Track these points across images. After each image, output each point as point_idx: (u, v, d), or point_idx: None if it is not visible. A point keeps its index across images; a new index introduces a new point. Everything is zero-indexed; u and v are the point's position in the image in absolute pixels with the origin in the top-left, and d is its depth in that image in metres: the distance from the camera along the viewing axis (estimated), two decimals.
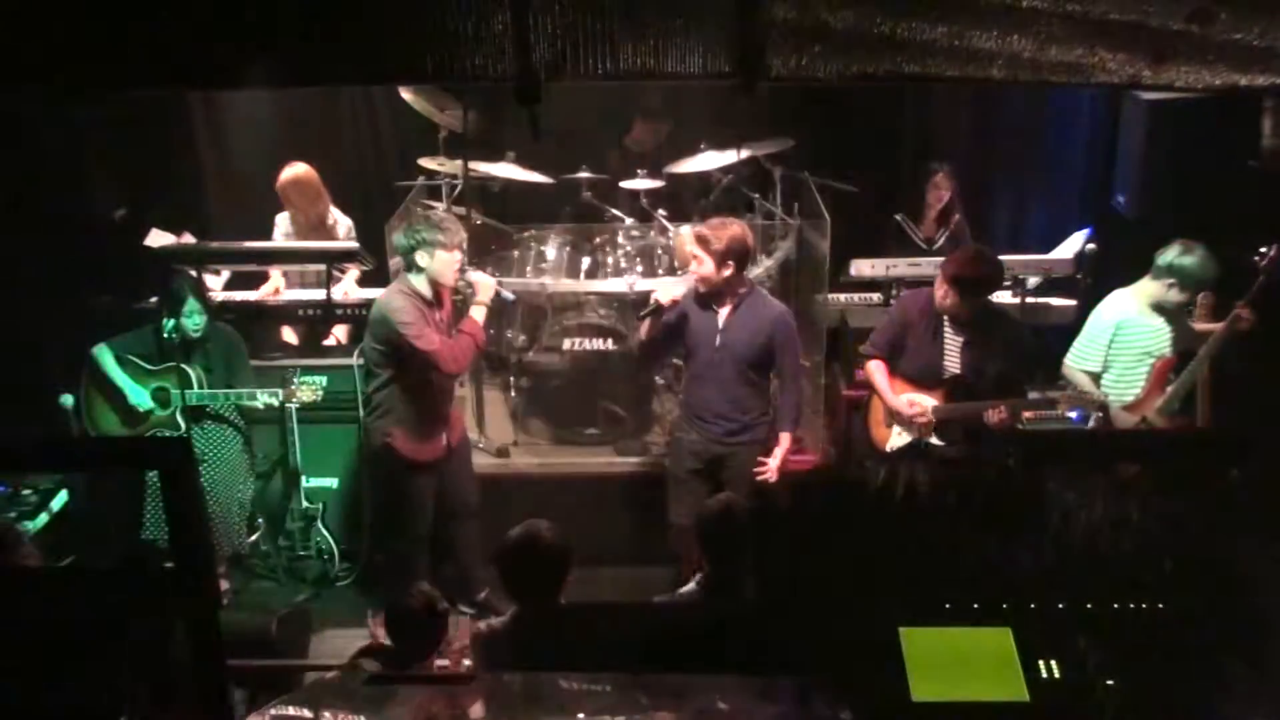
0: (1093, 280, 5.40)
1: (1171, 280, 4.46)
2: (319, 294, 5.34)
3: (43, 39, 1.85)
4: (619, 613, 3.70)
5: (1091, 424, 4.60)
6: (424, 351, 4.35)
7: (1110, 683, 1.95)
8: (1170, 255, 4.46)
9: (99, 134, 5.20)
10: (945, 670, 1.98)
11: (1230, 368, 4.50)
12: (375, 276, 5.56)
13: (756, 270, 5.24)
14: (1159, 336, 4.57)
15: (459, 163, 5.52)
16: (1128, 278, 4.75)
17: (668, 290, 4.47)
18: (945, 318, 4.50)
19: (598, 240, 5.94)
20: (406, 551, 4.72)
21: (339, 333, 5.72)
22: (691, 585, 4.10)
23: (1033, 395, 4.72)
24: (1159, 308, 4.55)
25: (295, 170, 5.66)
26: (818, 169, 5.84)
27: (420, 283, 4.44)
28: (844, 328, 5.62)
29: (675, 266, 5.61)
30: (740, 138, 5.68)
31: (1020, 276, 5.33)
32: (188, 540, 1.82)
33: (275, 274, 5.79)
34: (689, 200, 6.28)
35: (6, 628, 1.90)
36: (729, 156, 5.75)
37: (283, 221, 5.77)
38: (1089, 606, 2.05)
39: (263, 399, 4.81)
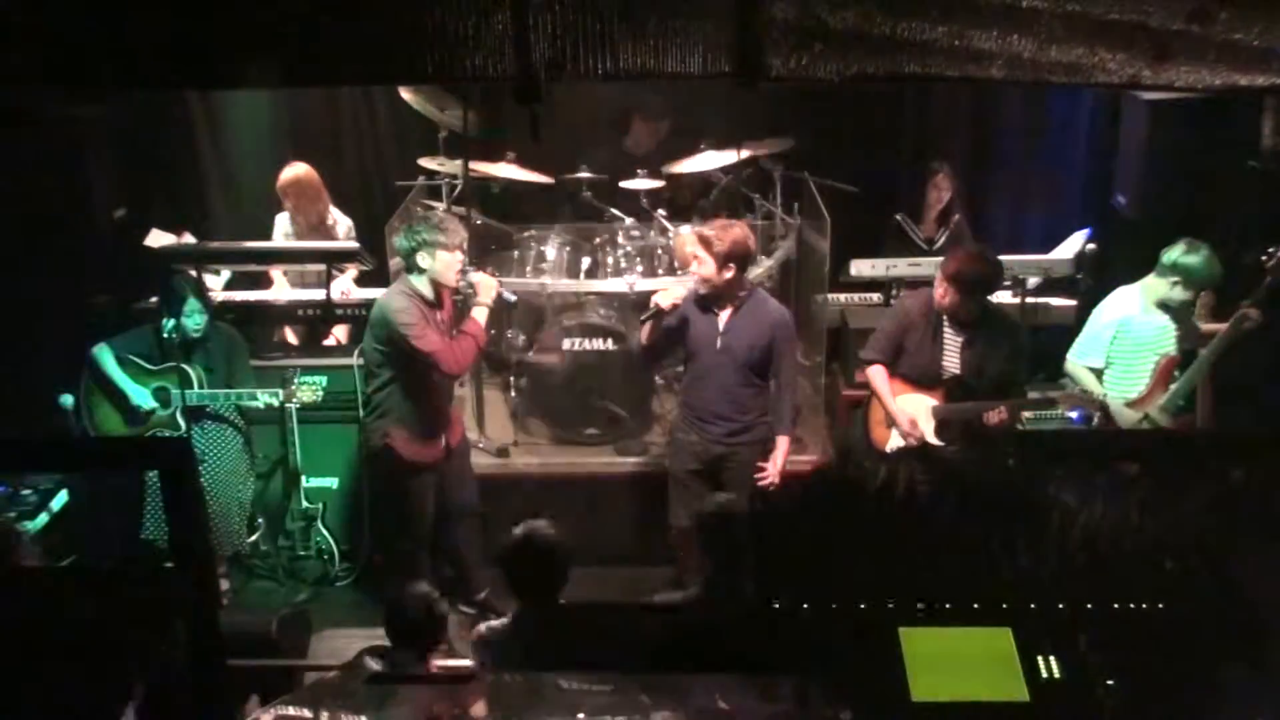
0: (1093, 280, 5.41)
1: (1175, 278, 4.47)
2: (319, 294, 5.34)
3: (43, 39, 1.85)
4: (619, 613, 3.70)
5: (1095, 422, 4.62)
6: (425, 352, 4.35)
7: (1110, 683, 1.95)
8: (1174, 253, 4.46)
9: (99, 134, 5.19)
10: (945, 670, 1.98)
11: (1231, 367, 4.50)
12: (375, 276, 5.56)
13: (757, 271, 5.24)
14: (1163, 334, 4.58)
15: (459, 163, 5.52)
16: (1127, 278, 4.76)
17: (669, 294, 4.47)
18: (945, 318, 4.50)
19: (598, 240, 5.94)
20: (406, 551, 4.72)
21: (339, 333, 5.72)
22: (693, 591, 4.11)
23: (1033, 395, 4.72)
24: (1163, 305, 4.56)
25: (295, 170, 5.67)
26: (817, 169, 5.84)
27: (421, 283, 4.44)
28: (844, 328, 5.62)
29: (675, 267, 5.61)
30: (740, 138, 5.68)
31: (1020, 276, 5.33)
32: (188, 540, 1.82)
33: (277, 274, 5.81)
34: (689, 200, 6.28)
35: (6, 628, 1.90)
36: (729, 156, 5.75)
37: (283, 221, 5.77)
38: (1089, 606, 2.05)
39: (263, 399, 4.81)
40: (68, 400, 4.78)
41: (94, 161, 5.19)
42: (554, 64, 1.81)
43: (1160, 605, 2.04)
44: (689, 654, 2.57)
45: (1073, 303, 5.51)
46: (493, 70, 1.82)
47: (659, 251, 5.76)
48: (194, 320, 4.64)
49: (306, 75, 2.42)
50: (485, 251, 5.90)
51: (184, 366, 4.69)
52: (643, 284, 5.43)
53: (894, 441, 4.64)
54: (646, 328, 4.55)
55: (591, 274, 5.74)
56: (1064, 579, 2.08)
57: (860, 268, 5.56)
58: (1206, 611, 2.04)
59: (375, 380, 4.56)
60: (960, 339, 4.50)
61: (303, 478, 5.11)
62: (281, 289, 5.80)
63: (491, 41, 1.81)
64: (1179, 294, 4.49)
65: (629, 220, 5.91)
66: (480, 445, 5.49)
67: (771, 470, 4.52)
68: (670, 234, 5.77)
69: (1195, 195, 5.31)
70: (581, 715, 2.03)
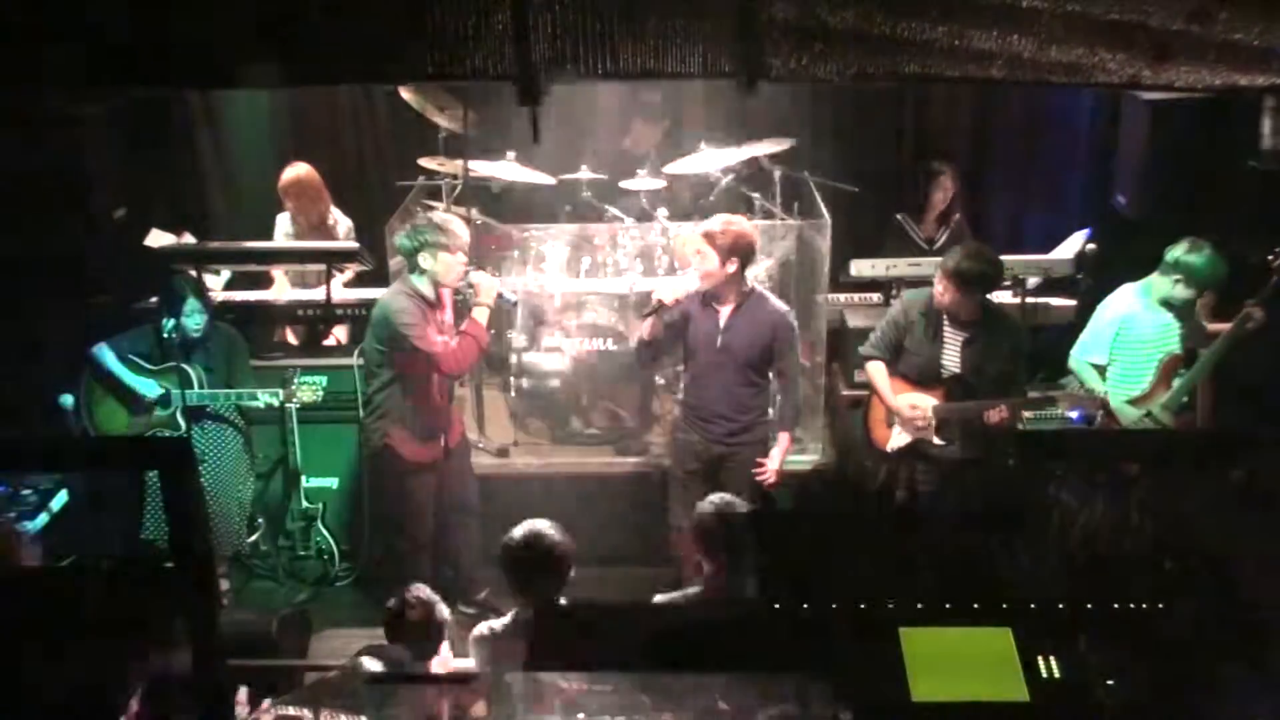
0: (1093, 280, 5.40)
1: (1177, 276, 4.47)
2: (319, 294, 5.34)
3: (43, 39, 1.85)
4: (619, 613, 3.70)
5: (1097, 422, 4.62)
6: (426, 353, 4.35)
7: (1110, 683, 1.95)
8: (1178, 252, 4.47)
9: (99, 134, 5.19)
10: (945, 670, 1.98)
11: (1232, 367, 4.51)
12: (375, 276, 5.56)
13: (756, 270, 5.24)
14: (1166, 332, 4.58)
15: (459, 163, 5.52)
16: (1127, 278, 4.76)
17: (670, 289, 4.47)
18: (945, 318, 4.50)
19: (598, 240, 5.94)
20: (406, 551, 4.72)
21: (339, 333, 5.72)
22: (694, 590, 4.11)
23: (1033, 395, 4.72)
24: (1166, 303, 4.56)
25: (297, 170, 5.67)
26: (817, 169, 5.84)
27: (423, 284, 4.44)
28: (844, 328, 5.62)
29: (675, 266, 5.61)
30: (740, 138, 5.68)
31: (1020, 276, 5.33)
32: (188, 540, 1.82)
33: (278, 274, 5.80)
34: (689, 200, 6.28)
35: (6, 628, 1.91)
36: (729, 156, 5.75)
37: (283, 221, 5.77)
38: (1089, 606, 2.05)
39: (263, 399, 4.81)
40: (68, 400, 4.77)
41: (94, 161, 5.19)
42: (554, 64, 1.81)
43: (1160, 605, 2.04)
44: (689, 654, 2.57)
45: (1073, 303, 5.51)
46: (493, 70, 1.82)
47: (659, 251, 5.76)
48: (194, 320, 4.64)
49: (306, 75, 2.42)
50: (485, 251, 5.90)
51: (184, 366, 4.69)
52: (643, 284, 5.43)
53: (894, 441, 4.64)
54: (648, 323, 4.55)
55: (591, 274, 5.74)
56: (1064, 579, 2.09)
57: (860, 268, 5.56)
58: (1206, 611, 2.04)
59: (375, 380, 4.56)
60: (960, 338, 4.50)
61: (303, 478, 5.11)
62: (282, 288, 5.80)
63: (491, 41, 1.81)
64: (1181, 292, 4.50)
65: (629, 220, 5.91)
66: (480, 445, 5.49)
67: (771, 469, 4.52)
68: (670, 234, 5.77)
69: (1195, 195, 5.31)
70: (581, 715, 2.03)
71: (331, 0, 1.84)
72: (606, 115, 6.24)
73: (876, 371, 4.66)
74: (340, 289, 5.40)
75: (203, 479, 4.65)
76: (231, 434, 4.87)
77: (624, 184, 6.00)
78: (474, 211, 5.67)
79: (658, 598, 4.11)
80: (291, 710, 2.09)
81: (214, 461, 4.80)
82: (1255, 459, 2.12)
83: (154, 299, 4.98)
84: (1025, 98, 6.35)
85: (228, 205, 6.50)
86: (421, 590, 3.62)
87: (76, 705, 1.92)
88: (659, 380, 5.78)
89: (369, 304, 4.87)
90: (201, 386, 4.73)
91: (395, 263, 5.15)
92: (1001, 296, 5.22)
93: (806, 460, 5.37)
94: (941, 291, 4.41)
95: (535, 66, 1.81)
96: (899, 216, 5.95)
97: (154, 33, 1.84)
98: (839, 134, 6.35)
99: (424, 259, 4.38)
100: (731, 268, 4.34)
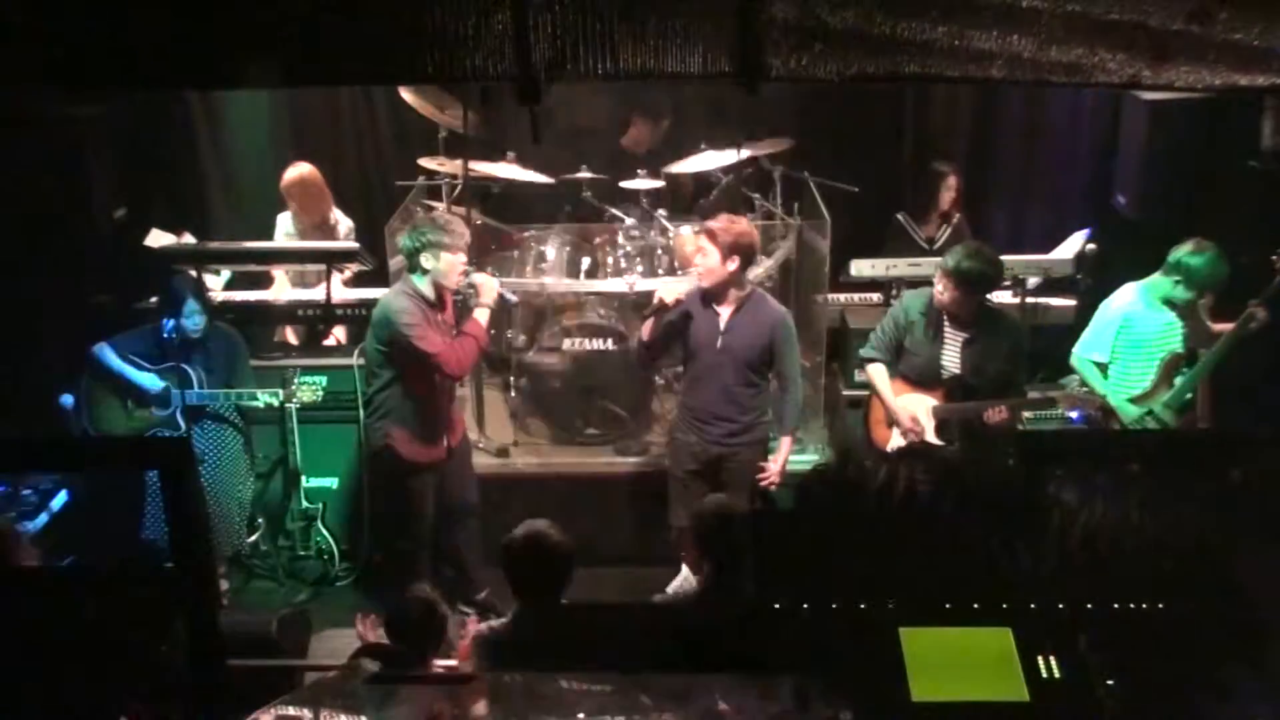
0: (1093, 280, 5.41)
1: (1177, 277, 4.47)
2: (319, 294, 5.34)
3: (43, 39, 1.85)
4: (619, 613, 3.70)
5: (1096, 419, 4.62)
6: (427, 353, 4.35)
7: (1110, 683, 1.94)
8: (1180, 252, 4.47)
9: (99, 134, 5.19)
10: (945, 670, 1.97)
11: (1232, 367, 4.51)
12: (375, 276, 5.56)
13: (756, 271, 5.24)
14: (1168, 330, 4.58)
15: (459, 163, 5.52)
16: (1127, 278, 4.76)
17: (671, 289, 4.48)
18: (945, 318, 4.50)
19: (598, 240, 5.93)
20: (406, 551, 4.72)
21: (339, 333, 5.72)
22: (675, 584, 4.11)
23: (1033, 395, 4.72)
24: (1169, 302, 4.57)
25: (300, 170, 5.67)
26: (817, 169, 5.84)
27: (423, 284, 4.44)
28: (844, 328, 5.62)
29: (675, 266, 5.61)
30: (740, 138, 5.68)
31: (1020, 276, 5.33)
32: (188, 540, 1.82)
33: (278, 273, 5.80)
34: (689, 200, 6.28)
35: (6, 628, 1.90)
36: (729, 156, 5.74)
37: (284, 221, 5.77)
38: (1089, 606, 2.05)
39: (263, 399, 4.81)
40: (68, 400, 4.77)
41: (94, 161, 5.19)
42: (554, 64, 1.82)
43: (1160, 605, 2.04)
44: (689, 654, 2.57)
45: (1073, 303, 5.51)
46: (493, 70, 1.83)
47: (659, 251, 5.76)
48: (194, 321, 4.64)
49: (306, 75, 2.42)
50: (485, 251, 5.90)
51: (184, 366, 4.69)
52: (643, 284, 5.43)
53: (894, 441, 4.64)
54: (648, 323, 4.55)
55: (591, 274, 5.73)
56: (1064, 579, 2.08)
57: (860, 268, 5.56)
58: (1206, 611, 2.04)
59: (376, 381, 4.56)
60: (960, 338, 4.50)
61: (303, 478, 5.11)
62: (282, 288, 5.80)
63: (491, 41, 1.81)
64: (1181, 293, 4.50)
65: (629, 220, 5.91)
66: (480, 445, 5.49)
67: (773, 470, 4.52)
68: (670, 234, 5.77)
69: (1195, 195, 5.31)
70: (581, 715, 2.03)
71: (331, 0, 1.84)
72: (606, 115, 6.24)
73: (877, 374, 4.66)
74: (340, 289, 5.40)
75: (203, 479, 4.65)
76: (231, 434, 4.87)
77: (624, 184, 6.00)
78: (474, 212, 5.68)
79: (658, 598, 4.12)
80: (291, 710, 2.08)
81: (214, 461, 4.80)
82: (1255, 459, 2.12)
83: (154, 299, 4.98)
84: (1025, 98, 6.35)
85: (228, 205, 6.50)
86: (422, 589, 3.62)
87: (76, 706, 1.92)
88: (659, 380, 5.79)
89: (369, 304, 4.87)
90: (201, 386, 4.73)
91: (395, 262, 5.15)
92: (1001, 296, 5.22)
93: (806, 460, 5.37)
94: (941, 291, 4.42)
95: (535, 66, 1.81)
96: (899, 216, 5.95)
97: (154, 33, 1.84)
98: (839, 134, 6.35)
99: (426, 259, 4.38)
100: (732, 266, 4.34)
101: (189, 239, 5.52)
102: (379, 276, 5.49)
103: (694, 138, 5.91)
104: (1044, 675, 1.97)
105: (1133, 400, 4.60)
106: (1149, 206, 5.40)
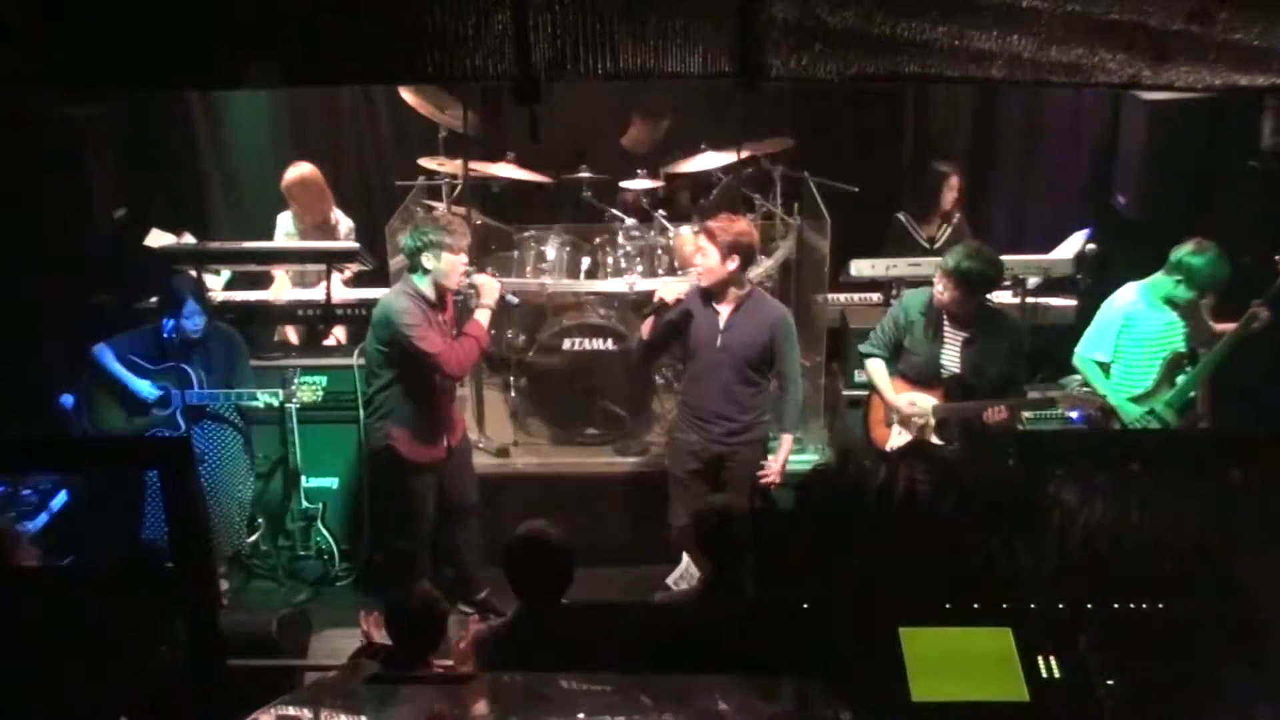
0: (1093, 280, 5.41)
1: (1178, 277, 4.47)
2: (319, 294, 5.34)
3: (43, 39, 1.85)
4: (619, 613, 3.70)
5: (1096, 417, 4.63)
6: (427, 354, 4.35)
7: (1110, 683, 1.95)
8: (1182, 252, 4.47)
9: (99, 134, 5.19)
10: (945, 670, 1.97)
11: (1232, 367, 4.51)
12: (375, 276, 5.56)
13: (756, 270, 5.24)
14: (1170, 330, 4.58)
15: (459, 163, 5.52)
16: (1127, 278, 4.76)
17: (671, 288, 4.48)
18: (945, 317, 4.50)
19: (598, 240, 5.94)
20: (406, 551, 4.72)
21: (339, 333, 5.72)
22: (678, 573, 4.11)
23: (1033, 395, 4.72)
24: (1170, 302, 4.57)
25: (301, 170, 5.66)
26: (817, 169, 5.84)
27: (424, 284, 4.44)
28: (844, 328, 5.62)
29: (675, 266, 5.61)
30: (740, 138, 5.68)
31: (1020, 276, 5.33)
32: (188, 540, 1.83)
33: (278, 273, 5.80)
34: (689, 200, 6.28)
35: (6, 628, 1.90)
36: (729, 156, 5.74)
37: (284, 221, 5.77)
38: (1089, 606, 2.05)
39: (263, 399, 4.81)
40: (68, 400, 4.77)
41: (94, 161, 5.20)
42: (554, 64, 1.82)
43: (1160, 605, 2.04)
44: (689, 654, 2.57)
45: (1073, 303, 5.51)
46: (493, 70, 1.83)
47: (659, 251, 5.76)
48: (193, 321, 4.64)
49: (306, 75, 2.42)
50: (485, 252, 5.90)
51: (184, 367, 4.69)
52: (643, 284, 5.43)
53: (894, 441, 4.64)
54: (648, 323, 4.55)
55: (591, 274, 5.73)
56: (1064, 579, 2.08)
57: (860, 268, 5.56)
58: (1206, 611, 2.04)
59: (377, 381, 4.56)
60: (960, 338, 4.50)
61: (303, 478, 5.11)
62: (282, 288, 5.80)
63: (491, 41, 1.81)
64: (1181, 293, 4.50)
65: (629, 220, 5.91)
66: (480, 445, 5.49)
67: (773, 469, 4.52)
68: (670, 234, 5.77)
69: (1195, 195, 5.31)
70: (581, 715, 2.03)
71: (331, 0, 1.84)
72: (606, 114, 6.24)
73: (876, 369, 4.67)
74: (340, 289, 5.40)
75: (203, 479, 4.65)
76: (231, 434, 4.87)
77: (624, 184, 6.00)
78: (474, 212, 5.68)
79: (658, 598, 4.12)
80: (291, 710, 2.08)
81: (214, 461, 4.80)
82: (1255, 459, 2.12)
83: (154, 299, 4.98)
84: (1025, 98, 6.35)
85: (228, 205, 6.50)
86: (422, 589, 3.62)
87: (76, 706, 1.92)
88: (659, 380, 5.79)
89: (369, 304, 4.87)
90: (201, 386, 4.73)
91: (396, 262, 5.15)
92: (1001, 296, 5.22)
93: (806, 460, 5.37)
94: (941, 291, 4.42)
95: (535, 66, 1.81)
96: (899, 216, 5.95)
97: (154, 33, 1.84)
98: (839, 134, 6.35)
99: (427, 259, 4.38)
100: (731, 265, 4.34)
101: (189, 239, 5.51)
102: (379, 276, 5.48)
103: (694, 138, 5.91)
104: (1044, 675, 1.97)
105: (1135, 400, 4.60)
106: (1149, 206, 5.40)
